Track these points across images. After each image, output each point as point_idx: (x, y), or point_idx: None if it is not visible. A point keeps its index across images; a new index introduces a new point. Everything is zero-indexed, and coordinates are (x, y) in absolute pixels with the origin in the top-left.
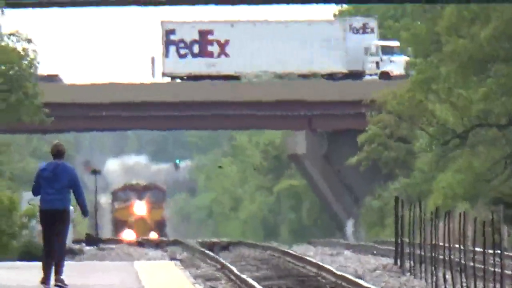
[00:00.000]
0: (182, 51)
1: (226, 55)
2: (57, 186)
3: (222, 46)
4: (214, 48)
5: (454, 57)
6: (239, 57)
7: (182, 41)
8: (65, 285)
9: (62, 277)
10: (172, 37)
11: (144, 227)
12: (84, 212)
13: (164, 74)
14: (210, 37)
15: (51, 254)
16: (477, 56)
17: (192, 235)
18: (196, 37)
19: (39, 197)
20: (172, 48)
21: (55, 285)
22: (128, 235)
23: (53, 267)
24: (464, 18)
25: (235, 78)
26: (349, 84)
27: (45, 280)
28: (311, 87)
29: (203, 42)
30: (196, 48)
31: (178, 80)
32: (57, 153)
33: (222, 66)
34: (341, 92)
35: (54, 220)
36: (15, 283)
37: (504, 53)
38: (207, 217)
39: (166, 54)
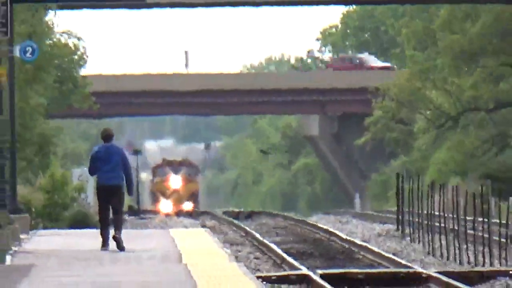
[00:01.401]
0: None
1: None
2: (112, 165)
3: None
4: None
5: (448, 51)
6: None
7: None
8: (123, 249)
9: (120, 239)
10: None
11: (179, 198)
12: (130, 191)
13: None
14: None
15: (107, 223)
16: (468, 49)
17: (220, 206)
18: None
19: (93, 176)
20: None
21: (117, 248)
22: (165, 206)
23: (114, 234)
24: (456, 16)
25: None
26: (356, 74)
27: (104, 246)
28: (323, 76)
29: None
30: None
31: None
32: (107, 136)
33: None
34: (349, 81)
35: (110, 194)
36: (77, 247)
37: (492, 46)
38: (233, 191)
39: None
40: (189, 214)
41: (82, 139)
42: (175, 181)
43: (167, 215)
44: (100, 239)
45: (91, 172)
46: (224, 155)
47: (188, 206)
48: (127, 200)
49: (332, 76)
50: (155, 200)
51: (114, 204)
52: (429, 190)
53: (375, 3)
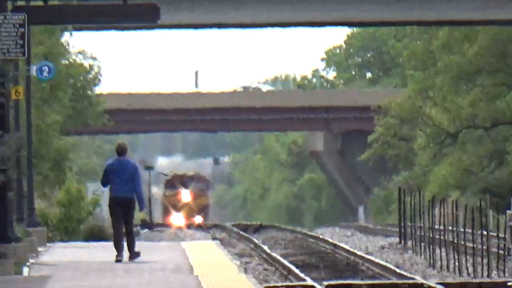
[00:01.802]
0: None
1: None
2: (124, 178)
3: None
4: None
5: (447, 70)
6: None
7: None
8: (138, 255)
9: (135, 250)
10: None
11: (190, 212)
12: (141, 206)
13: None
14: None
15: (120, 234)
16: (466, 69)
17: (229, 219)
18: None
19: (105, 188)
20: None
21: (129, 260)
22: (176, 219)
23: (126, 246)
24: (455, 37)
25: None
26: (359, 93)
27: (119, 258)
28: (328, 95)
29: None
30: None
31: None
32: (121, 151)
33: None
34: (353, 99)
35: (122, 206)
36: (93, 259)
37: (489, 66)
38: (241, 204)
39: None
40: (199, 227)
41: (96, 154)
42: (186, 195)
43: (179, 228)
44: (115, 252)
45: (104, 183)
46: (232, 171)
47: (198, 219)
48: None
49: (336, 95)
50: (166, 213)
51: (126, 216)
52: (430, 204)
53: (377, 25)
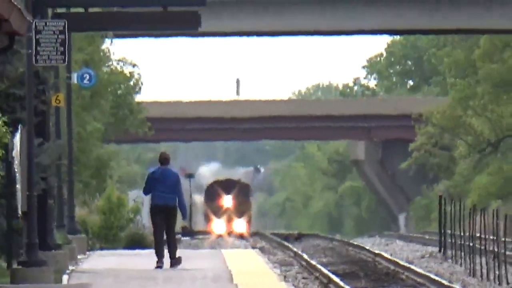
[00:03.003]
0: None
1: None
2: (166, 186)
3: None
4: None
5: (488, 79)
6: None
7: None
8: (179, 262)
9: (177, 256)
10: None
11: (232, 218)
12: (184, 215)
13: None
14: None
15: (161, 242)
16: (507, 78)
17: (269, 228)
18: None
19: (147, 196)
20: None
21: (171, 267)
22: (218, 226)
23: (168, 253)
24: (496, 46)
25: None
26: (399, 101)
27: (159, 265)
28: (369, 103)
29: None
30: None
31: (257, 99)
32: (164, 160)
33: None
34: (394, 108)
35: (164, 214)
36: (133, 267)
37: None
38: (281, 213)
39: None
40: (240, 235)
41: (137, 163)
42: (227, 201)
43: (220, 236)
44: (155, 259)
45: (146, 191)
46: (272, 179)
47: (241, 228)
48: (181, 222)
49: (377, 103)
50: (207, 220)
51: (167, 224)
52: (470, 212)
53: (418, 33)
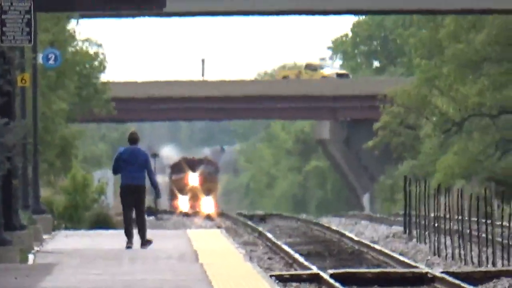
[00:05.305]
0: None
1: None
2: (135, 166)
3: None
4: None
5: (454, 59)
6: None
7: None
8: (150, 242)
9: (147, 238)
10: None
11: (197, 196)
12: (157, 193)
13: None
14: None
15: (131, 222)
16: (473, 58)
17: (233, 208)
18: None
19: (115, 176)
20: None
21: (141, 247)
22: (183, 203)
23: (138, 234)
24: (462, 26)
25: None
26: (365, 81)
27: (129, 245)
28: (334, 83)
29: None
30: None
31: (222, 79)
32: (133, 139)
33: None
34: (359, 88)
35: (133, 194)
36: (98, 247)
37: (495, 55)
38: (246, 193)
39: None
40: (208, 217)
41: (102, 142)
42: (193, 178)
43: (185, 214)
44: (122, 239)
45: (115, 171)
46: (237, 159)
47: (208, 207)
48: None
49: (342, 84)
50: (172, 197)
51: (137, 204)
52: (435, 193)
53: (383, 13)
